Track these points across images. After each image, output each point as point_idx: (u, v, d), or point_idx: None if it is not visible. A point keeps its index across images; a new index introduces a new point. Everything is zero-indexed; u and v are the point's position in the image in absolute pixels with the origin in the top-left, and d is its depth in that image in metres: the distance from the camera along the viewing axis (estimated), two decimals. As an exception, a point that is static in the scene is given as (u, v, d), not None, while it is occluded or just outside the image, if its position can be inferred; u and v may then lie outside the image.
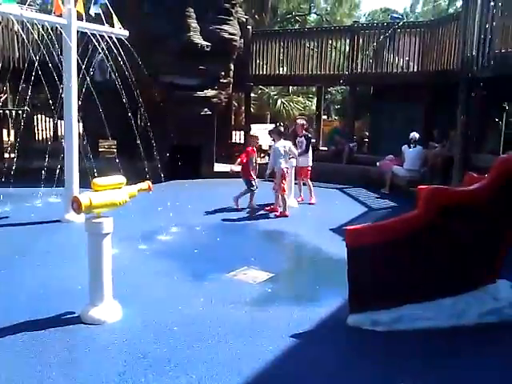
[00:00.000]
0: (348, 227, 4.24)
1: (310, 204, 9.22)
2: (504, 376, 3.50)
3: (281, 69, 13.91)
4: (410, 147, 10.47)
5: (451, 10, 28.85)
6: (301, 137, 9.32)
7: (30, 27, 8.18)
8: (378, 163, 11.10)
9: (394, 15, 20.20)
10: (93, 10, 7.54)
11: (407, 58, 12.15)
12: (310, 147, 9.41)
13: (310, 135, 9.60)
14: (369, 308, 4.07)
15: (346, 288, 4.12)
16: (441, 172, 9.88)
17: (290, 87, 23.01)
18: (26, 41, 9.85)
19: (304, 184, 9.48)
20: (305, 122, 9.85)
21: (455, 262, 4.09)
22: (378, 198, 10.03)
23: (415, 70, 11.98)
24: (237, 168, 8.42)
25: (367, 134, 15.53)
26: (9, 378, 3.22)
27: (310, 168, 9.36)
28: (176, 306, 4.43)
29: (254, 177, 8.50)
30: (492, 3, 7.89)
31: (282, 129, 8.16)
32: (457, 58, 9.52)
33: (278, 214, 8.08)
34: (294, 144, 9.11)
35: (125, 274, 4.88)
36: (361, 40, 12.47)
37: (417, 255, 4.04)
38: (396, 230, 4.10)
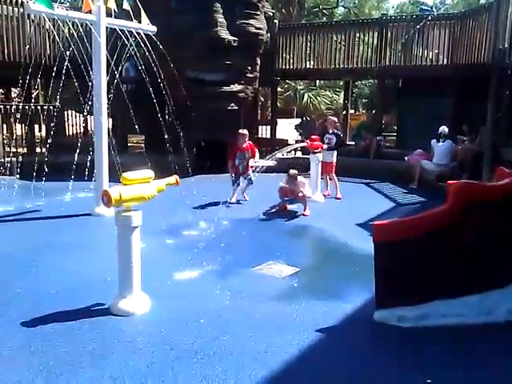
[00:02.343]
0: (375, 222, 4.21)
1: (336, 199, 9.19)
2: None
3: (308, 63, 13.81)
4: (439, 141, 10.31)
5: (482, 1, 28.18)
6: (330, 134, 9.27)
7: (60, 24, 8.33)
8: (406, 158, 10.97)
9: (424, 7, 19.86)
10: (125, 5, 7.65)
11: (436, 51, 11.94)
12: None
13: (340, 133, 9.54)
14: (395, 304, 4.04)
15: (373, 283, 4.10)
16: (470, 167, 9.71)
17: (317, 81, 22.85)
18: (56, 38, 10.04)
19: (330, 179, 9.45)
20: (336, 120, 9.80)
21: (483, 258, 4.02)
22: (406, 192, 9.91)
23: (445, 63, 11.77)
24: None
25: (395, 127, 15.34)
26: (41, 366, 3.31)
27: (334, 164, 9.31)
28: (203, 299, 4.48)
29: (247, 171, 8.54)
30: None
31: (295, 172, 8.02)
32: (488, 50, 9.32)
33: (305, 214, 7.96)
34: (322, 140, 9.09)
35: (152, 268, 4.93)
36: (389, 33, 12.30)
37: (445, 251, 3.99)
38: (424, 225, 4.06)
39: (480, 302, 4.02)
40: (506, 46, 8.22)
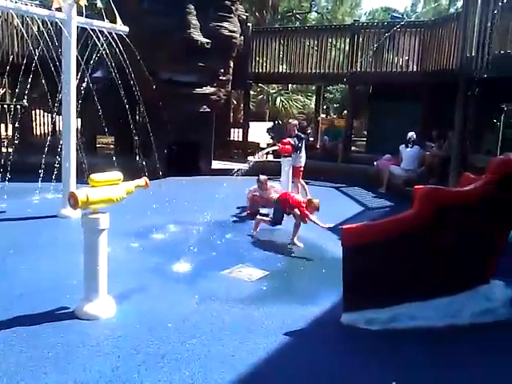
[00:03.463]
0: (344, 226, 4.25)
1: (305, 202, 9.21)
2: (494, 374, 3.52)
3: (280, 67, 13.88)
4: (407, 147, 10.49)
5: (452, 10, 28.83)
6: (293, 137, 9.29)
7: (29, 21, 8.16)
8: (375, 162, 11.12)
9: (395, 15, 20.17)
10: (99, 3, 7.55)
11: (407, 58, 12.15)
12: (303, 147, 9.37)
13: (302, 135, 9.56)
14: (363, 307, 4.08)
15: (341, 286, 4.13)
16: (438, 172, 9.90)
17: (290, 85, 22.99)
18: (25, 35, 9.83)
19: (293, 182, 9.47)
20: (297, 123, 9.84)
21: (449, 261, 4.10)
22: (374, 197, 10.04)
23: (415, 69, 11.98)
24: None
25: (365, 132, 15.55)
26: (1, 372, 3.23)
27: (301, 168, 9.31)
28: (170, 302, 4.44)
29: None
30: (492, 4, 7.91)
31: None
32: (456, 58, 9.51)
33: None
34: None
35: (119, 271, 4.86)
36: (361, 39, 12.45)
37: (412, 254, 4.05)
38: (392, 229, 4.11)
39: (449, 305, 4.10)
40: (474, 53, 8.40)
